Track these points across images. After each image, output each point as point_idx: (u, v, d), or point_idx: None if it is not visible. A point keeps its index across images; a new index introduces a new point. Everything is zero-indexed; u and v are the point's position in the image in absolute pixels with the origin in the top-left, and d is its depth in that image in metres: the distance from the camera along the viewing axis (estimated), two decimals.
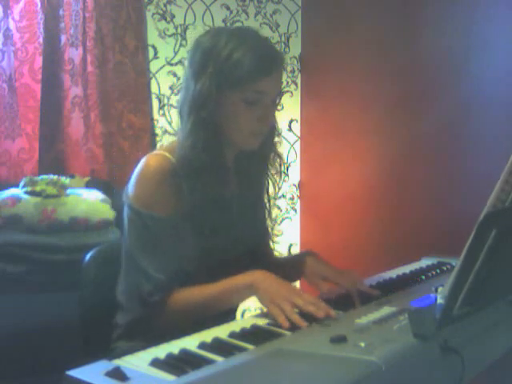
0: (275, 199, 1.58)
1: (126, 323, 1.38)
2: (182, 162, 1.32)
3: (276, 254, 1.70)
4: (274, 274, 1.27)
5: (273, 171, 1.50)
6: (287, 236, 2.97)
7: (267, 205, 1.54)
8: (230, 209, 1.42)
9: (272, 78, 1.32)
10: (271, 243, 1.62)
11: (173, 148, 1.36)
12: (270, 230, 1.59)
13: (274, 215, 1.57)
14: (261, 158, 1.46)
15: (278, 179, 1.52)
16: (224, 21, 2.76)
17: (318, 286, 1.40)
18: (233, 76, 1.29)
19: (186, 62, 1.39)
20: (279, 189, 1.55)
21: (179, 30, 2.64)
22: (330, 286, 1.41)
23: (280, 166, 1.51)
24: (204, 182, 1.32)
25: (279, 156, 1.50)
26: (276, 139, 1.48)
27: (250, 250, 1.47)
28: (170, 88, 2.65)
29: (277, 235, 1.65)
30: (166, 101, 2.64)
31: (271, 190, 1.53)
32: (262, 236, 1.57)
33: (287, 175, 2.98)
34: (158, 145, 2.62)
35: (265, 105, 1.33)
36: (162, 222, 1.30)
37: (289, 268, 1.52)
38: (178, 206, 1.32)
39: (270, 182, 1.52)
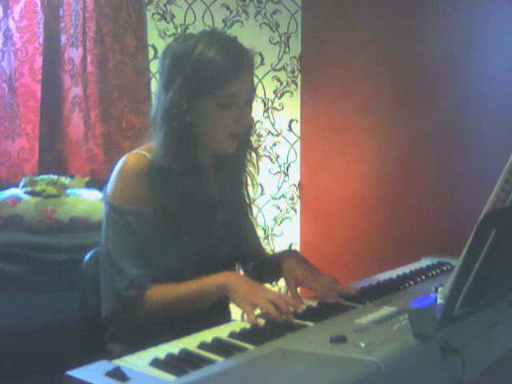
0: (254, 199, 1.58)
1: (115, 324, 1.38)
2: (159, 165, 1.32)
3: (267, 250, 1.69)
4: (246, 276, 1.30)
5: (250, 168, 1.51)
6: (287, 236, 2.97)
7: (247, 200, 1.54)
8: (213, 210, 1.43)
9: (244, 77, 1.32)
10: (258, 238, 1.62)
11: (151, 148, 1.36)
12: (255, 225, 1.59)
13: (254, 211, 1.58)
14: (238, 156, 1.46)
15: (255, 175, 1.53)
16: (224, 21, 2.75)
17: (291, 292, 1.39)
18: (204, 80, 1.29)
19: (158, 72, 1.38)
20: (257, 184, 1.55)
21: (179, 30, 2.64)
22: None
23: (257, 161, 1.51)
24: (180, 186, 1.33)
25: (255, 151, 1.50)
26: (252, 136, 1.48)
27: (235, 248, 1.47)
28: None
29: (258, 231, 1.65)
30: None
31: (250, 185, 1.54)
32: (248, 233, 1.57)
33: (287, 175, 2.98)
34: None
35: (239, 106, 1.33)
36: (141, 217, 1.31)
37: (269, 271, 1.52)
38: (157, 204, 1.32)
39: (248, 178, 1.52)
